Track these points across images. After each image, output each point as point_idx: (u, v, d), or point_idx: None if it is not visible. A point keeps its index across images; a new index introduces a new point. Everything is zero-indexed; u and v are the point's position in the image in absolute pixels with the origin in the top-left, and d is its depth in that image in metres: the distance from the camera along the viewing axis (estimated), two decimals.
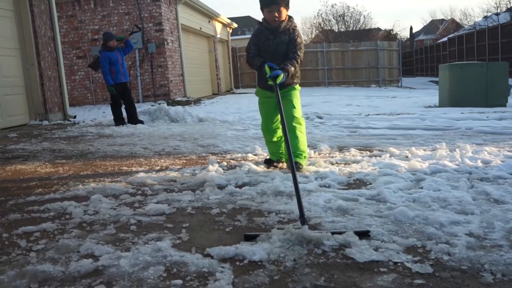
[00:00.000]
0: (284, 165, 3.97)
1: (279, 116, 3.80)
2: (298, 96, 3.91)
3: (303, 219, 2.34)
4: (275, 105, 3.73)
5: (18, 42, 8.87)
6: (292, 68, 3.62)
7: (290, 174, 3.55)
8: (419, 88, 21.99)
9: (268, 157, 4.13)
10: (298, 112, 3.83)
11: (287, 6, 3.64)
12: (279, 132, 3.95)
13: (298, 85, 3.91)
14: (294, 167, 2.77)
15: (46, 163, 4.65)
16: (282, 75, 3.48)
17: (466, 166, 3.62)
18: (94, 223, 2.64)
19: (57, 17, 10.02)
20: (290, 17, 3.73)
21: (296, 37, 3.71)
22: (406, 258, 1.97)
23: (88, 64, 10.01)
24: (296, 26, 3.79)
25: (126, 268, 1.96)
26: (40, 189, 3.50)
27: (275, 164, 3.99)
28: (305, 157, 3.88)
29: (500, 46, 24.57)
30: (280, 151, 4.02)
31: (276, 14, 3.58)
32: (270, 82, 3.54)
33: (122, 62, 8.15)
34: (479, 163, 3.71)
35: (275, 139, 3.97)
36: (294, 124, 3.76)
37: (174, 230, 2.45)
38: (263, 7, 3.63)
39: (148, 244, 2.24)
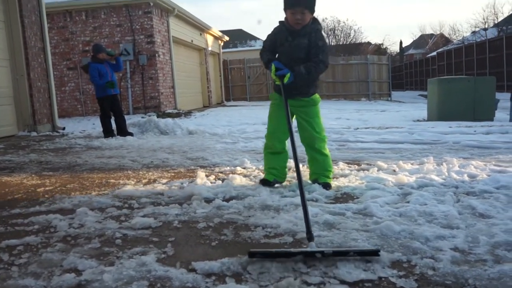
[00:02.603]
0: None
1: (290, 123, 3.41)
2: (319, 112, 3.61)
3: (310, 235, 2.26)
4: (291, 113, 3.50)
5: (7, 52, 8.84)
6: (304, 71, 3.33)
7: (278, 188, 3.57)
8: (409, 102, 22.19)
9: (264, 178, 3.67)
10: (321, 132, 3.59)
11: (312, 10, 3.36)
12: (285, 140, 3.63)
13: (316, 95, 3.60)
14: (301, 182, 2.68)
15: (33, 175, 4.61)
16: (288, 75, 3.26)
17: (452, 180, 3.64)
18: (78, 236, 2.61)
19: (47, 28, 10.02)
20: (315, 19, 3.45)
21: (318, 40, 3.40)
22: (391, 273, 1.97)
23: (80, 65, 10.00)
24: (319, 29, 3.48)
25: (109, 283, 1.94)
26: (25, 202, 3.46)
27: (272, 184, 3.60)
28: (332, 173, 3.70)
29: (488, 60, 24.96)
30: (280, 168, 3.66)
31: (299, 17, 3.32)
32: (277, 82, 3.33)
33: (111, 74, 8.15)
34: (466, 177, 3.74)
35: (281, 148, 3.63)
36: (319, 144, 3.58)
37: (160, 244, 2.43)
38: (286, 7, 3.38)
39: (132, 258, 2.22)
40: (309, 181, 3.68)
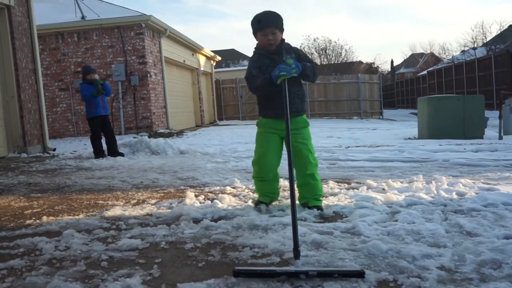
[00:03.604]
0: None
1: (281, 151, 3.49)
2: (310, 134, 3.58)
3: (296, 252, 2.26)
4: (281, 140, 3.48)
5: None
6: (310, 65, 3.33)
7: (267, 208, 3.56)
8: (400, 120, 22.35)
9: (259, 200, 3.63)
10: (314, 155, 3.55)
11: (281, 29, 3.37)
12: (277, 168, 3.60)
13: (305, 115, 3.59)
14: (294, 200, 2.65)
15: (21, 197, 4.57)
16: (291, 60, 3.12)
17: (441, 198, 3.65)
18: (64, 259, 2.58)
19: (39, 50, 10.06)
20: (283, 39, 3.44)
21: (303, 53, 3.50)
22: None
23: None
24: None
25: None
26: (11, 224, 3.42)
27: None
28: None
29: (477, 79, 25.27)
30: (274, 191, 3.64)
31: (271, 37, 3.32)
32: (287, 64, 3.10)
33: (101, 96, 8.16)
34: (454, 195, 3.75)
35: (272, 176, 3.57)
36: (312, 169, 3.50)
37: (146, 266, 2.41)
38: (256, 31, 3.37)
39: (117, 281, 2.20)
40: (298, 203, 3.55)
